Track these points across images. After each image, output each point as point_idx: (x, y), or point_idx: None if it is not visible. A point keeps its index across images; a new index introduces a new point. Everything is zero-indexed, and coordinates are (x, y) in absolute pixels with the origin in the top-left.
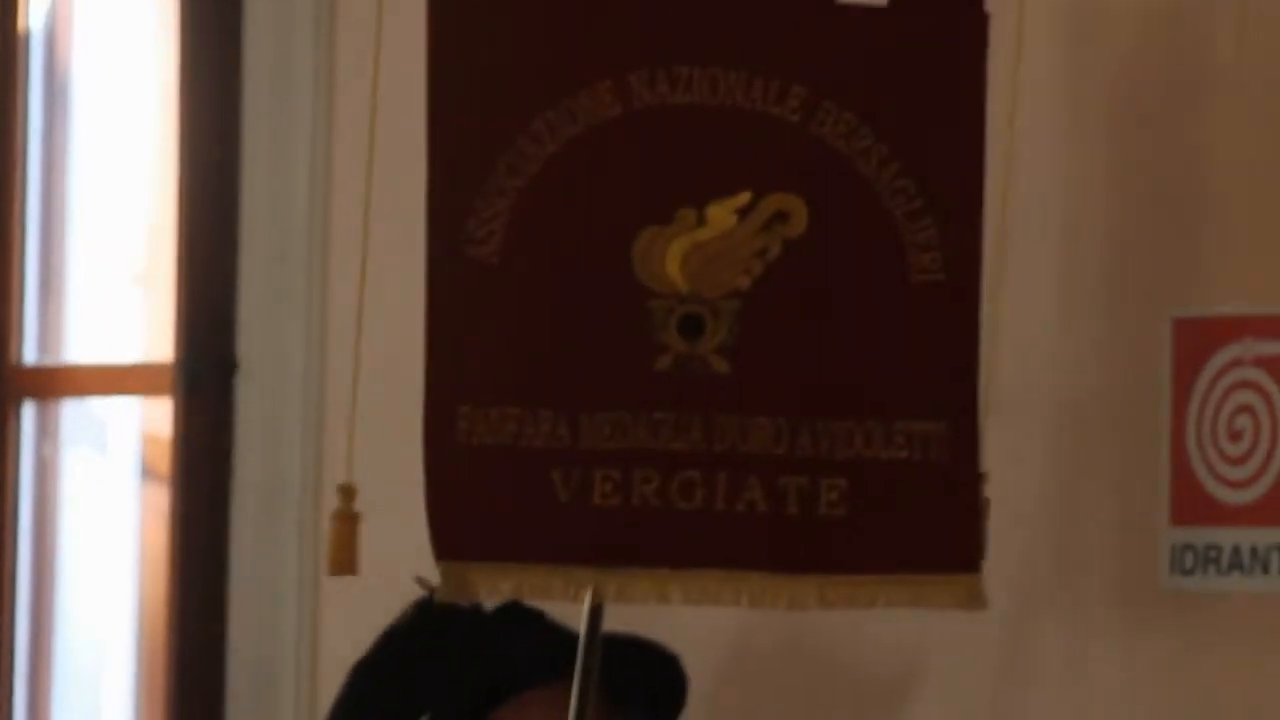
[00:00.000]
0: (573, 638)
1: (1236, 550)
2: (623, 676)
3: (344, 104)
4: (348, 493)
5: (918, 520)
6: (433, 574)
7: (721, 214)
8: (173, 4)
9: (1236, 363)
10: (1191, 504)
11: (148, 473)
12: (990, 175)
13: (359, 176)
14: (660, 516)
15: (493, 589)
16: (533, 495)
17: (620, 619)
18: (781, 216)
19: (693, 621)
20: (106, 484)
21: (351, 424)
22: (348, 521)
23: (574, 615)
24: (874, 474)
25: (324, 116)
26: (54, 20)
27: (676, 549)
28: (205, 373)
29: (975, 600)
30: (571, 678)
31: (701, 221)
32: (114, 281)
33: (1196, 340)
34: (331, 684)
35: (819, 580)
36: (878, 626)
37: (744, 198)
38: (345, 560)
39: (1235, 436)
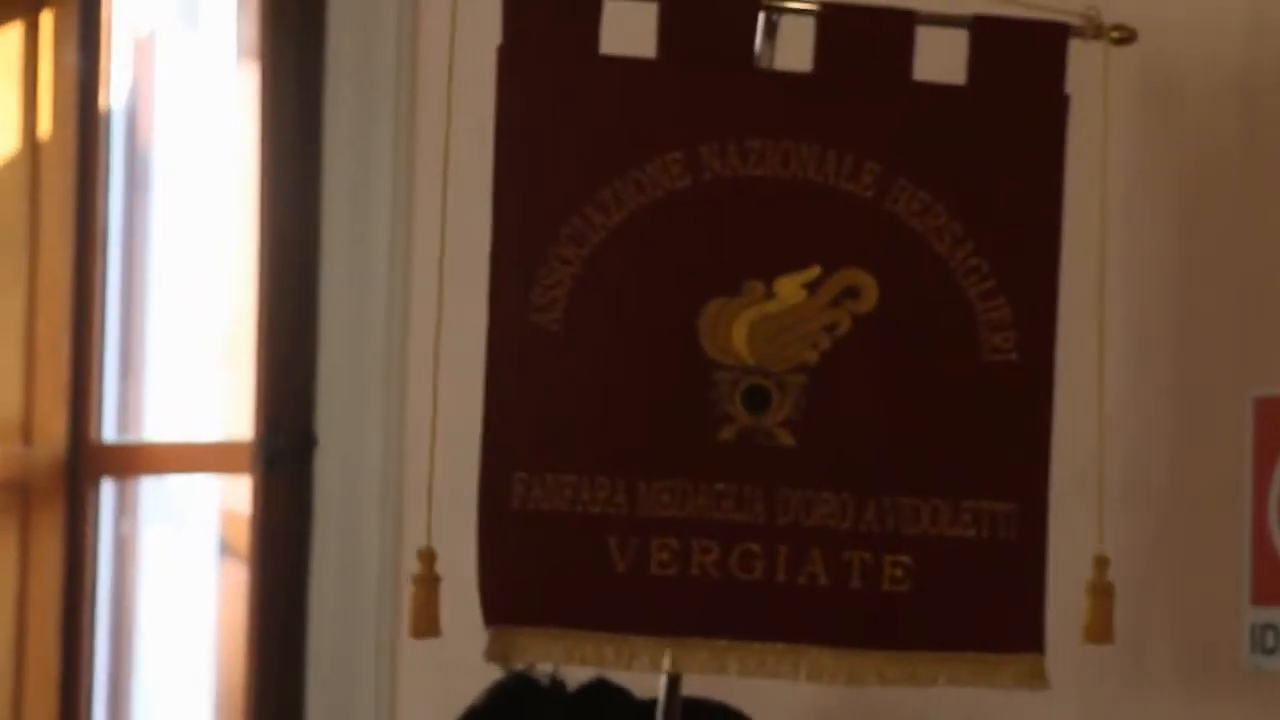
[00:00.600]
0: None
1: None
2: None
3: (423, 183)
4: (427, 557)
5: (982, 598)
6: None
7: (790, 287)
8: (253, 84)
9: None
10: (1273, 583)
11: (226, 550)
12: (1070, 255)
13: (438, 254)
14: (719, 587)
15: (543, 655)
16: (588, 562)
17: (697, 681)
18: (851, 292)
19: (768, 684)
20: (185, 561)
21: (430, 490)
22: (428, 585)
23: (631, 683)
24: (940, 551)
25: (404, 195)
26: (135, 99)
27: (736, 620)
28: (285, 450)
29: (1037, 679)
30: None
31: (770, 294)
32: (194, 359)
33: (1278, 419)
34: None
35: (880, 656)
36: (955, 698)
37: (814, 272)
38: (426, 623)
39: None
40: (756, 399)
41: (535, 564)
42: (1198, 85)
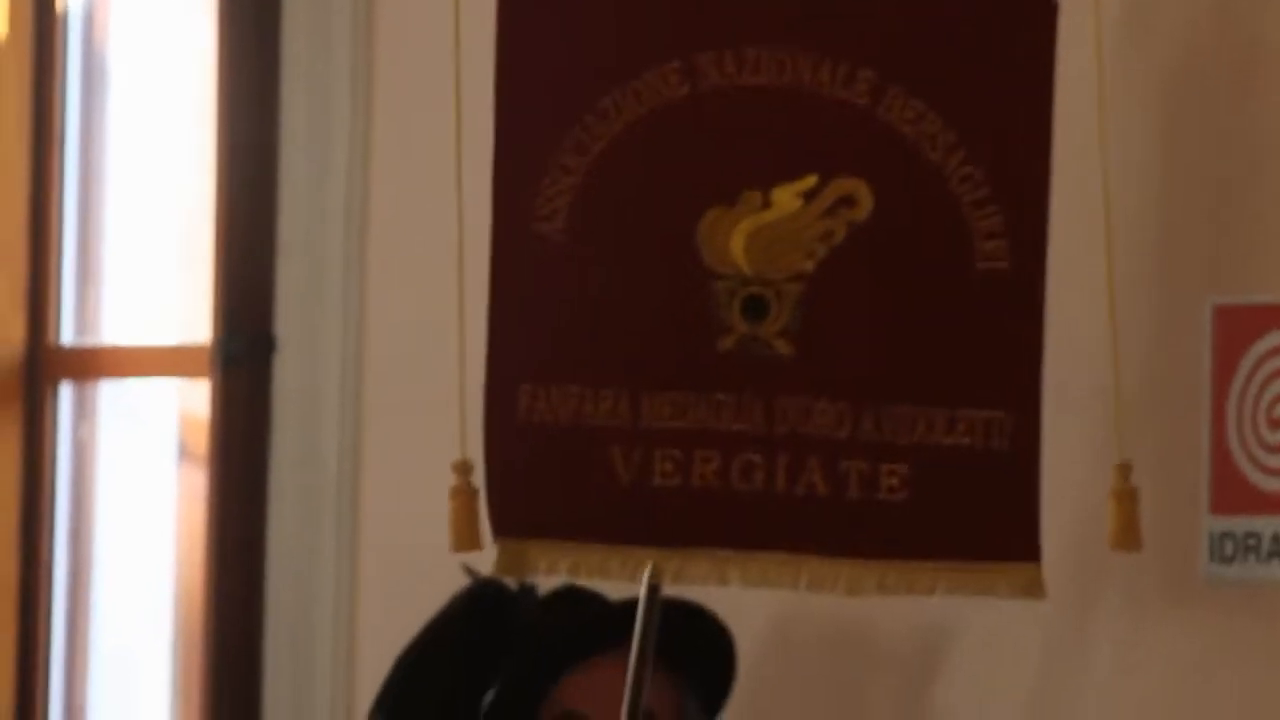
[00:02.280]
0: (633, 607)
1: (1276, 538)
2: (680, 644)
3: (383, 79)
4: (463, 469)
5: (978, 508)
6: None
7: (787, 197)
8: None
9: (1277, 350)
10: (1232, 492)
11: (185, 453)
12: (1060, 163)
13: (397, 153)
14: (720, 498)
15: (550, 567)
16: (593, 474)
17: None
18: (847, 201)
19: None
20: (144, 465)
21: (461, 399)
22: (466, 497)
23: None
24: (935, 460)
25: (363, 93)
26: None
27: (736, 531)
28: (243, 352)
29: (1035, 589)
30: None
31: (766, 204)
32: (152, 262)
33: (1237, 328)
34: (369, 661)
35: (878, 565)
36: (921, 608)
37: (809, 181)
38: (468, 536)
39: (1276, 424)
40: (754, 308)
41: (542, 476)
42: None
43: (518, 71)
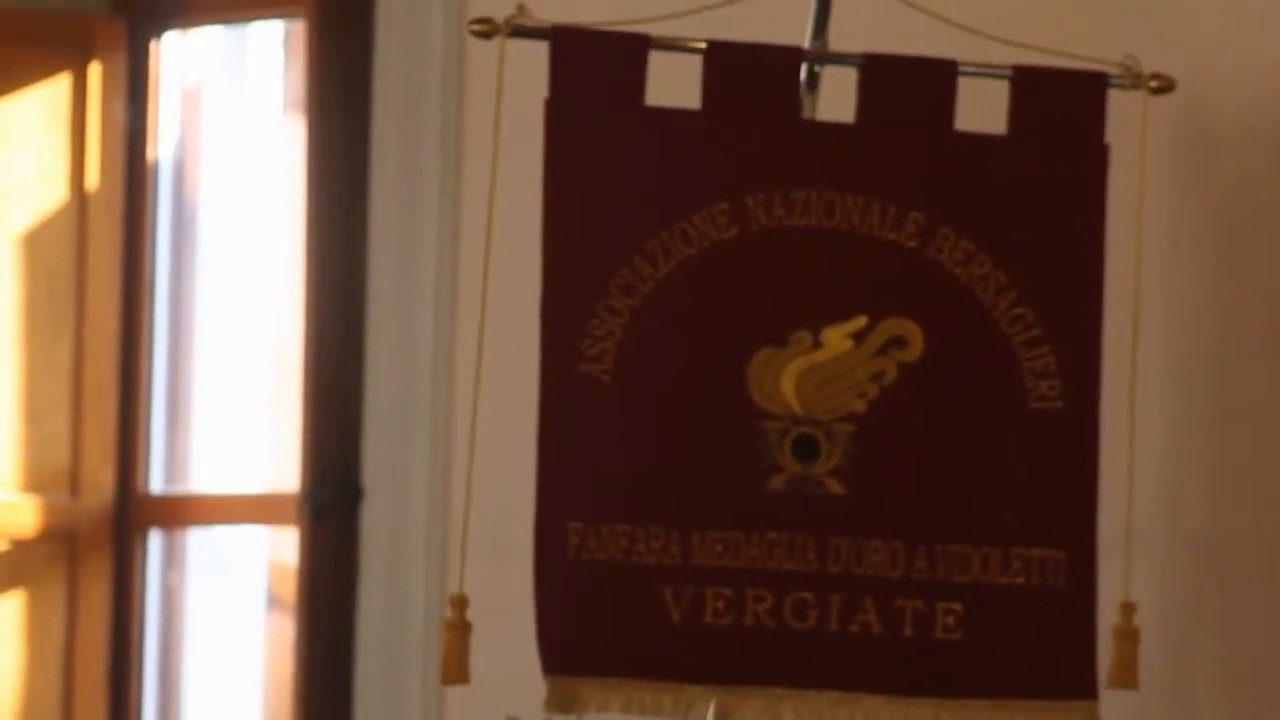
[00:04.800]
0: None
1: None
2: None
3: (468, 232)
4: (459, 603)
5: (1035, 646)
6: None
7: (837, 337)
8: (301, 134)
9: None
10: None
11: (273, 601)
12: (1108, 302)
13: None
14: (773, 636)
15: (602, 705)
16: (644, 612)
17: None
18: (898, 341)
19: None
20: (232, 612)
21: (464, 534)
22: (459, 631)
23: None
24: (991, 599)
25: (449, 245)
26: (183, 150)
27: (790, 669)
28: (331, 501)
29: None
30: None
31: (817, 344)
32: (241, 411)
33: None
34: None
35: (934, 703)
36: None
37: (860, 322)
38: (456, 669)
39: None
40: (806, 448)
41: (592, 614)
42: (1234, 133)
43: (565, 214)
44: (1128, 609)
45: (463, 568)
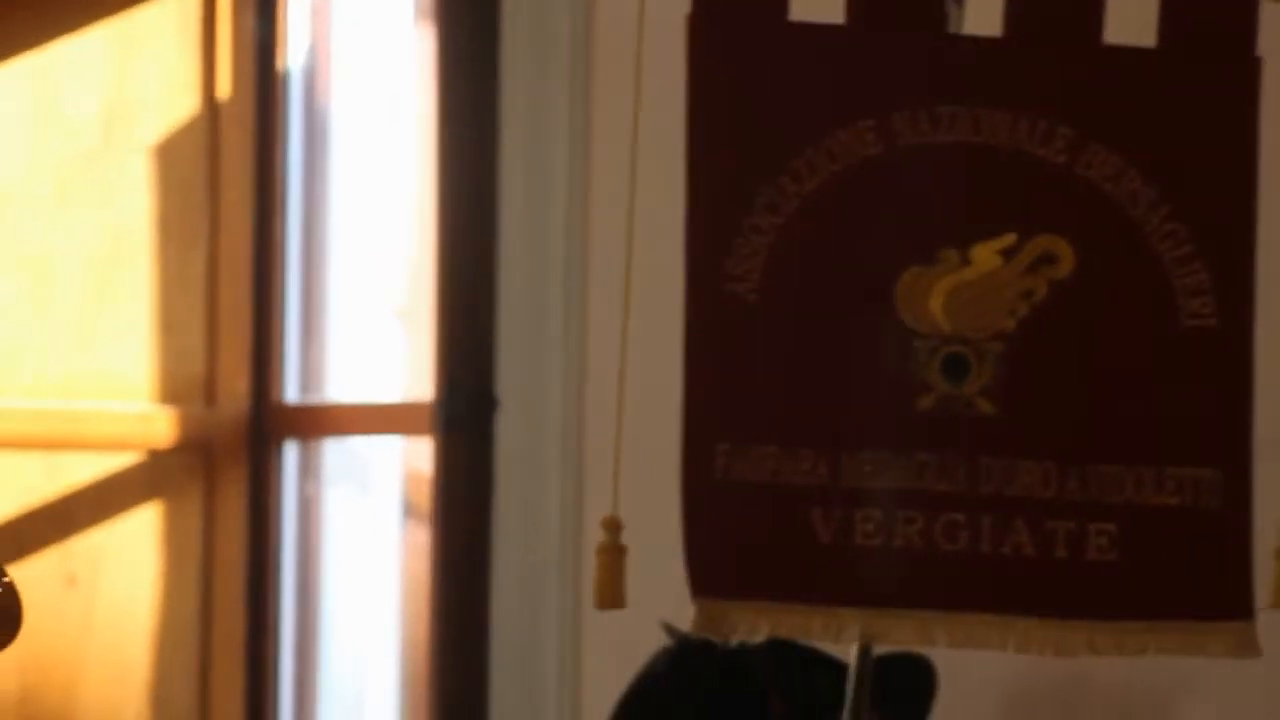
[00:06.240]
0: (842, 668)
1: None
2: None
3: (601, 134)
4: (613, 526)
5: (1189, 566)
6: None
7: (986, 255)
8: (430, 44)
9: None
10: None
11: (410, 511)
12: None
13: (618, 210)
14: (924, 558)
15: (751, 628)
16: (792, 534)
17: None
18: (1048, 259)
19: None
20: (368, 522)
21: (616, 455)
22: (613, 555)
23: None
24: (1144, 519)
25: (581, 149)
26: (313, 59)
27: (941, 591)
28: (465, 411)
29: (1248, 648)
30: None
31: (966, 262)
32: (374, 320)
33: None
34: (594, 715)
35: (1088, 626)
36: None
37: (1009, 239)
38: (612, 594)
39: None
40: (955, 367)
41: (740, 536)
42: None
43: (708, 132)
44: None
45: (616, 488)
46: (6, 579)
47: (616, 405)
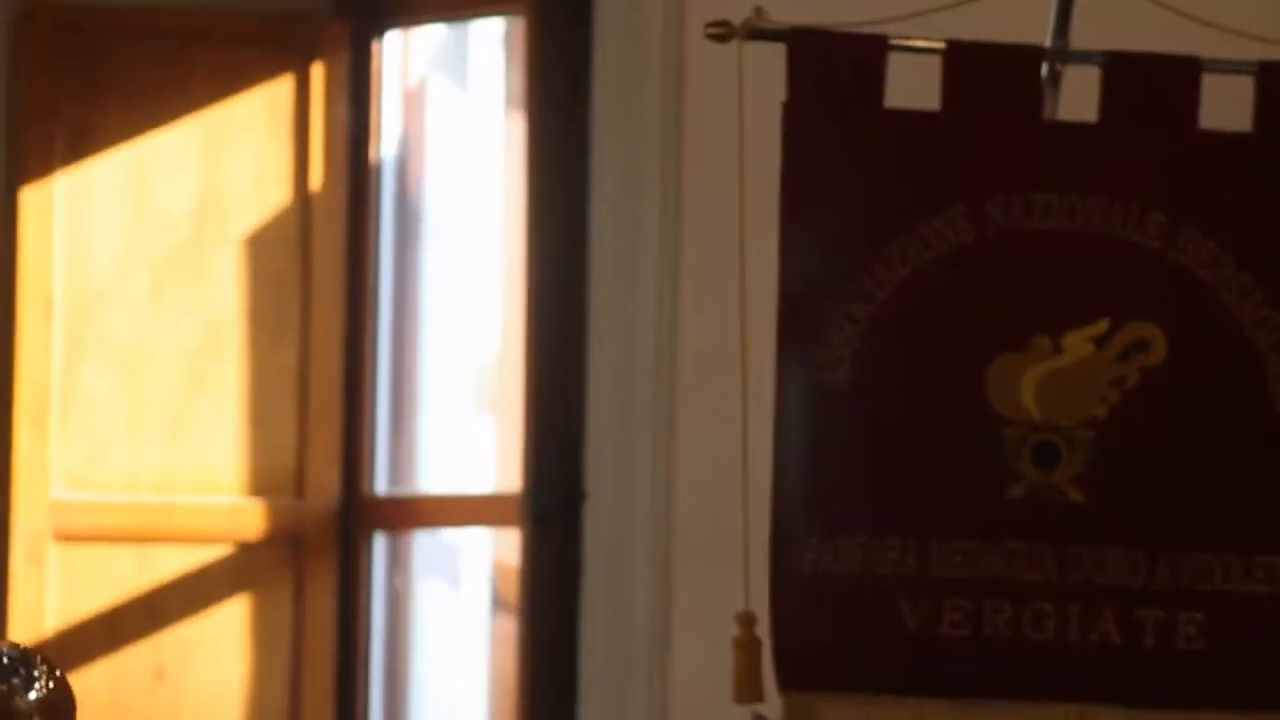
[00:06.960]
0: None
1: None
2: None
3: (689, 235)
4: (747, 621)
5: (1277, 656)
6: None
7: (1078, 342)
8: (521, 135)
9: None
10: None
11: (498, 603)
12: None
13: (708, 301)
14: (1011, 647)
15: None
16: (879, 624)
17: None
18: (1140, 345)
19: None
20: (457, 614)
21: (745, 549)
22: (749, 649)
23: None
24: (1233, 608)
25: (670, 247)
26: (405, 149)
27: (1028, 681)
28: (554, 503)
29: None
30: None
31: (1057, 349)
32: (464, 412)
33: None
34: None
35: (1176, 715)
36: None
37: (1101, 326)
38: (750, 688)
39: None
40: (1045, 455)
41: (828, 628)
42: None
43: (803, 218)
44: None
45: (746, 582)
46: (58, 673)
47: (742, 497)
